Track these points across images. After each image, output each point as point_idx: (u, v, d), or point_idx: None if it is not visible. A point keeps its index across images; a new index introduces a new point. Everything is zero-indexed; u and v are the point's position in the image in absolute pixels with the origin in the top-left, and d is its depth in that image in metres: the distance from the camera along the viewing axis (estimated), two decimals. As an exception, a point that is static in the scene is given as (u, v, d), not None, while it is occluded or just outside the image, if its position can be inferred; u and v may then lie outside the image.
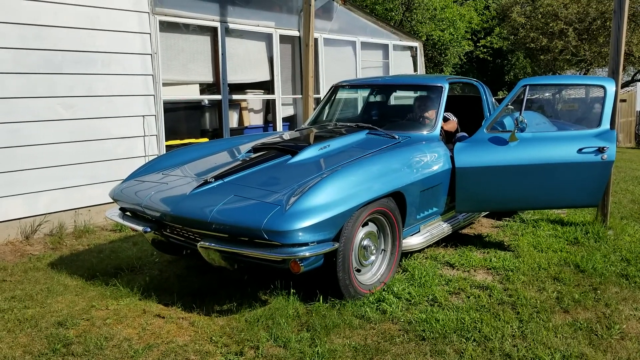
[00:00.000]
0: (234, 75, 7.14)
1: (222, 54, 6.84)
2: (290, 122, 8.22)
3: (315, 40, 7.95)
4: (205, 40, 6.81)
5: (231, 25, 6.95)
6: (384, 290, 3.60)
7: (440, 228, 4.29)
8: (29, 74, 5.09)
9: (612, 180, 5.39)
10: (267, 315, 3.23)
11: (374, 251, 3.66)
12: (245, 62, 7.34)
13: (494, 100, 5.30)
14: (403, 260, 4.16)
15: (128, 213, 3.95)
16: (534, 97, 4.75)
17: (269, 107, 8.10)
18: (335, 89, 5.46)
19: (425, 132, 4.45)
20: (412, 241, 4.00)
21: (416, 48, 10.42)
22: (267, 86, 7.76)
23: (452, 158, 4.22)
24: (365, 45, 9.18)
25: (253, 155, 4.10)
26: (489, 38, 22.24)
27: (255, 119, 8.09)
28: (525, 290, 3.66)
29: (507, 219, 5.55)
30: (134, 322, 3.23)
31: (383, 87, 5.68)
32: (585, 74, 19.37)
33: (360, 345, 2.94)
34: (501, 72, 25.31)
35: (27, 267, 4.28)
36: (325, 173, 3.45)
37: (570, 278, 3.86)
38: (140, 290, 3.64)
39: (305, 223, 3.02)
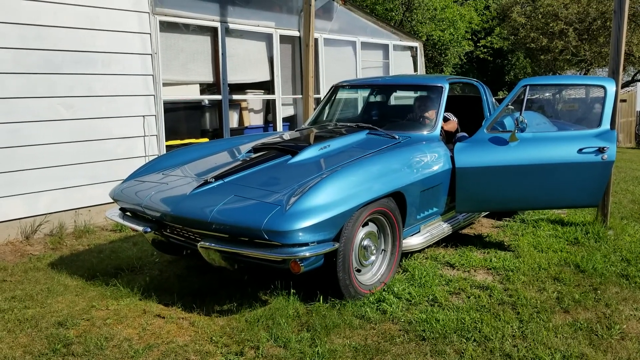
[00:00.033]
0: (234, 75, 7.14)
1: (222, 54, 6.84)
2: (290, 122, 8.22)
3: (316, 40, 7.95)
4: (205, 40, 6.81)
5: (231, 25, 6.95)
6: (384, 290, 3.60)
7: (440, 228, 4.29)
8: (29, 74, 5.09)
9: (612, 181, 5.39)
10: (268, 316, 3.23)
11: (374, 251, 3.66)
12: (246, 62, 7.35)
13: (494, 100, 5.30)
14: (403, 261, 4.16)
15: (128, 213, 3.95)
16: (534, 97, 4.75)
17: (269, 107, 8.10)
18: (335, 89, 5.46)
19: (425, 132, 4.45)
20: (412, 241, 4.00)
21: (416, 48, 10.42)
22: (267, 86, 7.76)
23: (452, 158, 4.22)
24: (365, 46, 9.18)
25: (253, 156, 4.10)
26: (489, 38, 22.24)
27: (255, 119, 8.09)
28: (526, 290, 3.66)
29: (507, 219, 5.55)
30: (134, 322, 3.23)
31: (383, 87, 5.68)
32: (585, 74, 19.36)
33: (360, 345, 2.94)
34: (501, 72, 25.31)
35: (27, 267, 4.28)
36: (325, 173, 3.45)
37: (571, 278, 3.86)
38: (140, 291, 3.64)
39: (306, 223, 3.02)
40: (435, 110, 4.59)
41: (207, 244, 3.21)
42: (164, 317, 3.29)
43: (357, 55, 9.02)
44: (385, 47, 9.70)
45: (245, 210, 3.19)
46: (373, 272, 3.69)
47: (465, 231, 5.14)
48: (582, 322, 3.19)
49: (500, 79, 25.07)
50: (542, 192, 4.27)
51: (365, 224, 3.56)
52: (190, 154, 4.44)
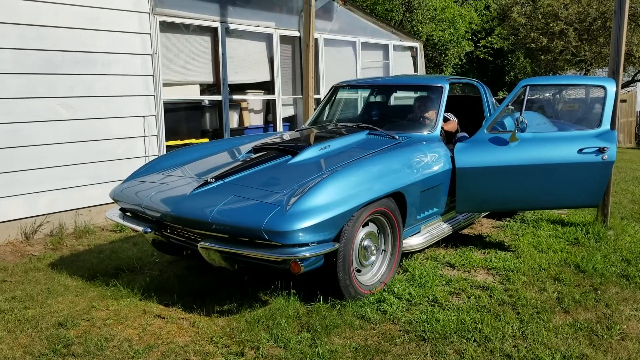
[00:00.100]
0: (234, 76, 7.14)
1: (222, 54, 6.84)
2: (290, 122, 8.22)
3: (316, 40, 7.95)
4: (205, 41, 6.81)
5: (231, 26, 6.95)
6: (384, 290, 3.60)
7: (440, 228, 4.29)
8: (29, 74, 5.09)
9: (612, 181, 5.39)
10: (268, 316, 3.23)
11: (375, 251, 3.66)
12: (246, 62, 7.35)
13: (494, 100, 5.30)
14: (403, 261, 4.15)
15: (128, 213, 3.95)
16: (534, 97, 4.75)
17: (269, 108, 8.10)
18: (335, 89, 5.46)
19: (425, 133, 4.45)
20: (413, 241, 4.00)
21: (416, 48, 10.42)
22: (267, 86, 7.76)
23: (452, 158, 4.22)
24: (365, 46, 9.18)
25: (253, 156, 4.10)
26: (489, 38, 22.24)
27: (255, 120, 8.09)
28: (526, 290, 3.66)
29: (507, 219, 5.55)
30: (135, 322, 3.23)
31: (383, 87, 5.67)
32: (585, 74, 19.36)
33: (360, 345, 2.93)
34: (501, 72, 25.31)
35: (27, 268, 4.28)
36: (325, 173, 3.45)
37: (571, 278, 3.86)
38: (140, 291, 3.64)
39: (306, 223, 3.02)
40: (436, 110, 4.59)
41: (207, 244, 3.21)
42: (164, 318, 3.29)
43: (357, 55, 9.02)
44: (385, 48, 9.70)
45: (245, 211, 3.19)
46: (373, 272, 3.69)
47: (465, 231, 5.14)
48: (582, 323, 3.19)
49: (500, 79, 25.07)
50: (542, 192, 4.27)
51: (366, 224, 3.56)
52: (190, 154, 4.44)
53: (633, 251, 4.45)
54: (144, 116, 6.01)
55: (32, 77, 5.11)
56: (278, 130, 7.79)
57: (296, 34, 7.92)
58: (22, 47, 5.02)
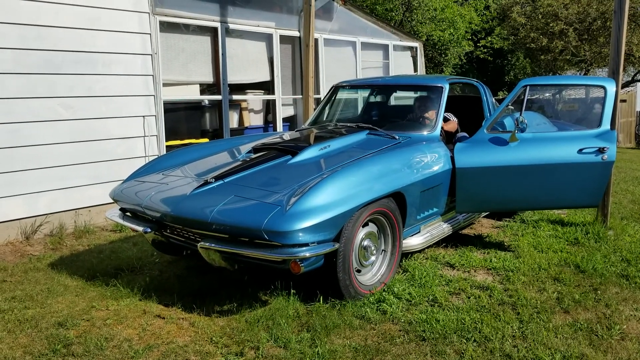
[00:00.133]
0: (234, 76, 7.14)
1: (222, 54, 6.84)
2: (290, 122, 8.22)
3: (316, 40, 7.95)
4: (205, 41, 6.81)
5: (231, 26, 6.95)
6: (384, 290, 3.60)
7: (440, 228, 4.29)
8: (29, 74, 5.09)
9: (612, 181, 5.39)
10: (268, 316, 3.23)
11: (374, 251, 3.66)
12: (246, 62, 7.35)
13: (494, 100, 5.30)
14: (403, 261, 4.16)
15: (128, 213, 3.95)
16: (534, 97, 4.75)
17: (269, 108, 8.10)
18: (335, 89, 5.46)
19: (425, 133, 4.45)
20: (413, 241, 4.00)
21: (416, 48, 10.42)
22: (267, 86, 7.76)
23: (452, 158, 4.22)
24: (365, 46, 9.18)
25: (253, 156, 4.10)
26: (489, 38, 22.24)
27: (255, 119, 8.09)
28: (526, 290, 3.66)
29: (507, 219, 5.55)
30: (134, 322, 3.23)
31: (383, 87, 5.67)
32: (585, 74, 19.36)
33: (360, 345, 2.94)
34: (501, 72, 25.31)
35: (27, 268, 4.28)
36: (325, 173, 3.45)
37: (571, 278, 3.86)
38: (140, 291, 3.64)
39: (306, 223, 3.02)
40: (436, 110, 4.59)
41: (207, 244, 3.21)
42: (164, 318, 3.29)
43: (357, 55, 9.02)
44: (385, 48, 9.70)
45: (245, 211, 3.19)
46: (373, 272, 3.69)
47: (465, 231, 5.14)
48: (582, 323, 3.19)
49: (500, 79, 25.07)
50: (542, 192, 4.27)
51: (366, 224, 3.56)
52: (190, 154, 4.44)
53: (633, 251, 4.45)
54: (144, 116, 6.01)
55: (32, 77, 5.11)
56: (278, 130, 7.79)
57: (296, 34, 7.92)
58: (22, 47, 5.02)
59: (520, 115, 4.16)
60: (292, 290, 3.48)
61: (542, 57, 19.44)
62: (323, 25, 8.31)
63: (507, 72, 25.21)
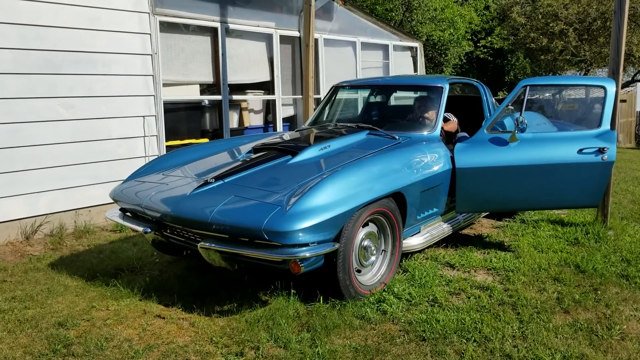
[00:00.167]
0: (234, 76, 7.14)
1: (222, 55, 6.84)
2: (290, 122, 8.22)
3: (316, 40, 7.95)
4: (205, 41, 6.81)
5: (231, 26, 6.95)
6: (384, 290, 3.60)
7: (440, 228, 4.29)
8: (29, 74, 5.09)
9: (612, 181, 5.39)
10: (268, 316, 3.23)
11: (375, 252, 3.66)
12: (246, 62, 7.35)
13: (494, 100, 5.30)
14: (403, 261, 4.16)
15: (128, 213, 3.95)
16: (534, 97, 4.75)
17: (269, 108, 8.10)
18: (335, 89, 5.46)
19: (425, 133, 4.45)
20: (413, 242, 4.00)
21: (416, 48, 10.42)
22: (267, 86, 7.76)
23: (452, 158, 4.22)
24: (365, 46, 9.18)
25: (253, 156, 4.10)
26: (489, 38, 22.24)
27: (255, 120, 8.10)
28: (526, 290, 3.66)
29: (507, 219, 5.55)
30: (135, 322, 3.23)
31: (383, 87, 5.67)
32: (585, 74, 19.36)
33: (360, 345, 2.94)
34: (501, 72, 25.31)
35: (27, 268, 4.28)
36: (325, 173, 3.45)
37: (571, 278, 3.86)
38: (140, 291, 3.64)
39: (306, 223, 3.02)
40: (436, 110, 4.59)
41: (207, 244, 3.21)
42: (164, 318, 3.29)
43: (357, 55, 9.02)
44: (385, 48, 9.70)
45: (245, 211, 3.19)
46: (373, 272, 3.69)
47: (465, 231, 5.14)
48: (582, 323, 3.19)
49: (500, 79, 25.07)
50: (542, 192, 4.27)
51: (366, 225, 3.56)
52: (190, 154, 4.44)
53: (633, 251, 4.45)
54: (144, 116, 6.01)
55: (32, 77, 5.11)
56: (278, 130, 7.79)
57: (296, 34, 7.92)
58: (22, 47, 5.02)
59: (520, 115, 4.16)
60: (292, 291, 3.48)
61: (542, 57, 19.45)
62: (323, 25, 8.31)
63: (507, 72, 25.21)
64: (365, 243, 3.55)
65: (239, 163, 3.93)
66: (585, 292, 3.65)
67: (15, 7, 4.95)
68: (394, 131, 4.45)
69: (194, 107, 7.22)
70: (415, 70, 10.46)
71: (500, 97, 11.63)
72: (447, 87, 4.71)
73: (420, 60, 10.49)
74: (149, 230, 3.60)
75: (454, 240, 4.77)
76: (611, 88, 4.39)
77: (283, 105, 7.89)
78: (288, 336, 3.00)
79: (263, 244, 3.10)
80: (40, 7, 5.12)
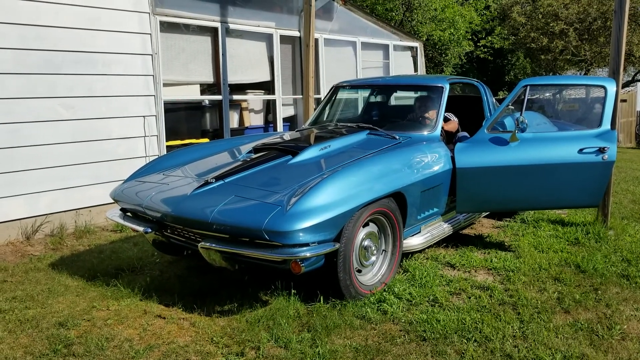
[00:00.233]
0: (235, 76, 7.14)
1: (222, 55, 6.84)
2: (290, 122, 8.22)
3: (316, 40, 7.95)
4: (205, 41, 6.81)
5: (231, 26, 6.95)
6: (384, 290, 3.60)
7: (440, 228, 4.29)
8: (29, 74, 5.09)
9: (612, 181, 5.39)
10: (268, 316, 3.23)
11: (375, 252, 3.66)
12: (246, 62, 7.35)
13: (494, 100, 5.30)
14: (404, 261, 4.16)
15: (129, 213, 3.95)
16: (534, 97, 4.75)
17: (269, 108, 8.10)
18: (335, 89, 5.46)
19: (425, 133, 4.45)
20: (413, 241, 4.00)
21: (416, 48, 10.42)
22: (267, 86, 7.76)
23: (452, 158, 4.22)
24: (365, 46, 9.18)
25: (254, 156, 4.10)
26: (489, 38, 22.23)
27: (255, 120, 8.10)
28: (526, 290, 3.66)
29: (507, 219, 5.55)
30: (135, 322, 3.23)
31: (383, 87, 5.67)
32: (585, 74, 19.36)
33: (361, 345, 2.94)
34: (501, 72, 25.30)
35: (27, 268, 4.28)
36: (326, 173, 3.45)
37: (571, 278, 3.86)
38: (141, 291, 3.64)
39: (306, 223, 3.02)
40: (436, 110, 4.59)
41: (207, 244, 3.21)
42: (164, 318, 3.29)
43: (357, 55, 9.02)
44: (385, 47, 9.70)
45: (245, 211, 3.19)
46: (374, 272, 3.69)
47: (465, 231, 5.14)
48: (582, 323, 3.19)
49: (500, 79, 25.06)
50: (542, 192, 4.27)
51: (366, 224, 3.56)
52: (190, 154, 4.44)
53: (633, 251, 4.45)
54: (144, 116, 6.01)
55: (33, 77, 5.11)
56: (278, 130, 7.79)
57: (296, 34, 7.92)
58: (22, 47, 5.02)
59: (521, 115, 4.16)
60: (293, 290, 3.48)
61: (543, 57, 19.44)
62: (323, 25, 8.30)
63: (507, 72, 25.20)
64: (366, 243, 3.55)
65: (240, 163, 3.93)
66: (586, 292, 3.65)
67: (15, 7, 4.95)
68: (394, 131, 4.45)
69: (194, 107, 7.22)
70: (416, 70, 10.45)
71: (501, 97, 11.62)
72: (447, 87, 4.71)
73: (421, 60, 10.49)
74: (150, 230, 3.60)
75: (455, 240, 4.77)
76: (611, 88, 4.39)
77: (283, 105, 7.89)
78: (288, 336, 3.00)
79: (263, 244, 3.10)
80: (40, 7, 5.12)
